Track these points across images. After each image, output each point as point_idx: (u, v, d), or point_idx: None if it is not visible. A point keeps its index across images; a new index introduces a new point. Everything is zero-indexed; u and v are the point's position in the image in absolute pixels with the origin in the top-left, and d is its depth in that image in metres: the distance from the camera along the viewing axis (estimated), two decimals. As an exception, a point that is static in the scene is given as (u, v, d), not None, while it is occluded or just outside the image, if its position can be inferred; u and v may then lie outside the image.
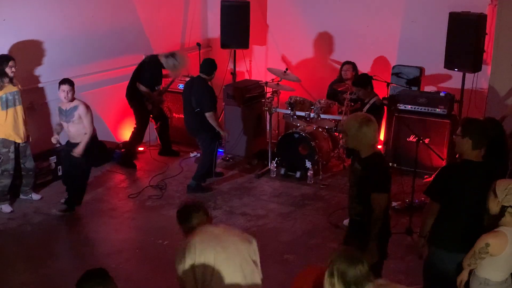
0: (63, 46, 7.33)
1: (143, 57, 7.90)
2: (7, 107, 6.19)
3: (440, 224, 4.01)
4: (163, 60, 7.65)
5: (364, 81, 6.94)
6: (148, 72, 7.65)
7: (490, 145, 4.41)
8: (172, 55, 7.66)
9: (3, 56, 6.25)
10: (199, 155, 7.57)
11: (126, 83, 7.75)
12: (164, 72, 7.87)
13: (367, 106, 6.90)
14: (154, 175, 7.58)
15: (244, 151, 8.22)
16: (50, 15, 7.17)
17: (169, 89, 8.24)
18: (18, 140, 6.40)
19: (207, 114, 6.88)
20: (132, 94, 7.71)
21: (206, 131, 7.01)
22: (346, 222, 5.46)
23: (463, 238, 3.87)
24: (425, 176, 7.11)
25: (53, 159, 7.27)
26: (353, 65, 7.96)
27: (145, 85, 7.63)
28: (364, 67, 8.40)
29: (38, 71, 7.12)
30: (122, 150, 8.10)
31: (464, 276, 3.81)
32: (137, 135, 7.94)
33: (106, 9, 7.86)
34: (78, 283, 2.65)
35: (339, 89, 7.78)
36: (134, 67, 7.74)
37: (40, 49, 7.12)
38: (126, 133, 8.34)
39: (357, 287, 2.87)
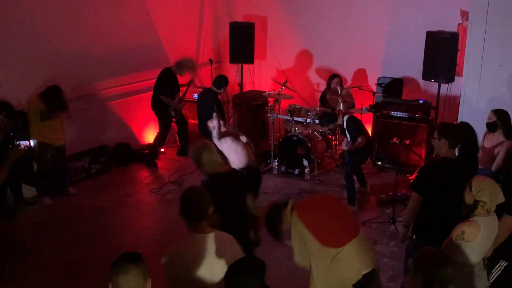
0: (93, 62, 7.32)
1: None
2: (47, 119, 6.17)
3: (422, 216, 3.98)
4: (175, 70, 7.61)
5: (326, 121, 6.59)
6: (167, 84, 7.61)
7: (464, 147, 4.40)
8: (179, 63, 7.60)
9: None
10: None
11: (148, 93, 7.72)
12: (180, 82, 7.84)
13: (344, 125, 6.68)
14: (173, 172, 7.56)
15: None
16: (85, 38, 7.15)
17: (185, 99, 8.22)
18: (56, 143, 6.38)
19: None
20: (156, 104, 7.68)
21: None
22: None
23: (441, 229, 3.83)
24: (408, 175, 7.07)
25: (86, 159, 7.25)
26: (339, 78, 7.92)
27: (166, 96, 7.60)
28: (352, 79, 8.38)
29: (74, 84, 7.10)
30: (146, 151, 8.09)
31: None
32: (160, 139, 7.92)
33: (130, 30, 7.85)
34: (114, 262, 2.56)
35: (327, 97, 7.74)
36: (154, 80, 7.72)
37: (77, 66, 7.12)
38: (149, 136, 8.32)
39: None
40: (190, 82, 8.05)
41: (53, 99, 6.09)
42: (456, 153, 4.53)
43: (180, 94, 7.94)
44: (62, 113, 6.24)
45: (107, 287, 2.50)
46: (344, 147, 6.55)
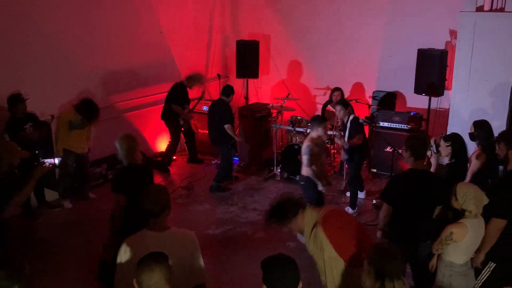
0: (111, 77, 7.39)
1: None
2: (76, 128, 6.24)
3: (392, 222, 4.01)
4: (186, 83, 7.71)
5: (346, 103, 6.83)
6: (178, 95, 7.68)
7: (454, 153, 4.42)
8: (190, 77, 7.71)
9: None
10: (219, 162, 7.58)
11: (161, 106, 7.79)
12: (191, 96, 7.91)
13: (348, 123, 6.80)
14: (183, 178, 7.59)
15: (254, 159, 8.23)
16: (104, 55, 7.23)
17: (195, 111, 8.28)
18: (78, 151, 6.43)
19: (226, 126, 6.91)
20: (167, 114, 7.74)
21: (225, 142, 7.04)
22: None
23: (409, 233, 3.89)
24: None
25: (104, 165, 7.29)
26: (341, 91, 7.96)
27: (177, 105, 7.67)
28: (349, 92, 8.42)
29: (93, 97, 7.16)
30: (159, 158, 8.13)
31: (434, 261, 3.80)
32: (172, 147, 7.97)
33: (145, 47, 7.92)
34: (141, 259, 2.53)
35: (326, 109, 7.80)
36: (167, 93, 7.77)
37: (96, 80, 7.20)
38: (161, 145, 8.37)
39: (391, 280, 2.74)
40: (201, 97, 8.16)
41: (88, 110, 6.19)
42: (448, 161, 4.55)
43: (190, 107, 8.01)
44: (95, 122, 6.31)
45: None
46: (337, 140, 6.55)
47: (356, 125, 6.39)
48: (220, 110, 6.98)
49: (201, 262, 3.13)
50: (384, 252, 2.81)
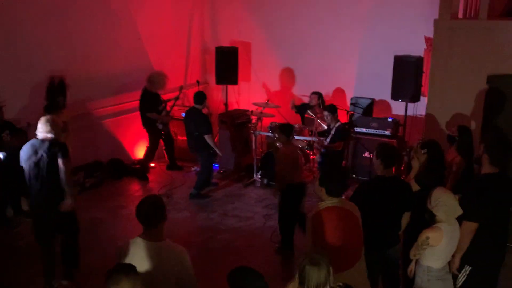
0: (88, 83, 7.29)
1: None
2: None
3: (364, 229, 4.04)
4: (149, 87, 7.50)
5: (333, 108, 6.95)
6: (148, 102, 7.53)
7: (431, 160, 4.48)
8: (148, 80, 7.52)
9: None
10: (198, 169, 7.55)
11: (138, 113, 7.70)
12: (164, 97, 7.81)
13: (333, 130, 6.89)
14: (163, 185, 7.53)
15: (234, 166, 8.22)
16: (81, 61, 7.15)
17: (175, 117, 8.21)
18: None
19: (206, 137, 6.88)
20: (145, 123, 7.65)
21: (204, 150, 7.01)
22: None
23: (376, 239, 3.92)
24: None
25: (81, 173, 7.19)
26: (318, 95, 8.03)
27: (152, 112, 7.54)
28: (330, 98, 8.48)
29: (70, 104, 7.05)
30: (137, 165, 8.06)
31: (412, 266, 3.83)
32: (149, 154, 7.88)
33: (123, 53, 7.86)
34: (108, 271, 2.57)
35: (305, 116, 7.87)
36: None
37: (73, 87, 7.07)
38: (139, 152, 8.29)
39: None
40: (177, 97, 7.95)
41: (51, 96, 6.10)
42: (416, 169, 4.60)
43: (168, 108, 7.88)
44: (63, 102, 6.13)
45: None
46: (317, 145, 6.63)
47: (342, 133, 6.49)
48: (196, 119, 6.93)
49: (192, 279, 3.12)
50: (309, 256, 2.79)
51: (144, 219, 3.08)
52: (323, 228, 3.48)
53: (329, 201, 3.58)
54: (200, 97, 7.05)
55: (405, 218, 4.05)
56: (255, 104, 8.04)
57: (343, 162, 7.37)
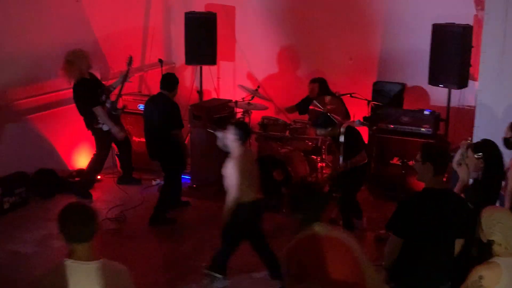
0: (8, 65, 7.21)
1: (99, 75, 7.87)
2: None
3: (402, 261, 4.01)
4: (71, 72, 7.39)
5: (324, 123, 6.73)
6: (84, 91, 7.42)
7: (488, 167, 4.49)
8: (68, 61, 7.40)
9: None
10: (162, 182, 7.50)
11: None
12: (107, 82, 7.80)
13: (342, 137, 6.82)
14: (112, 206, 7.46)
15: (212, 178, 8.16)
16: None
17: (128, 110, 8.19)
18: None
19: (173, 132, 6.86)
20: (88, 120, 7.57)
21: (170, 154, 6.97)
22: None
23: (422, 274, 3.92)
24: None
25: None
26: (319, 83, 8.00)
27: (95, 105, 7.42)
28: (342, 84, 8.47)
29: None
30: (76, 178, 7.98)
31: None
32: (97, 163, 7.82)
33: (54, 23, 7.79)
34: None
35: (310, 108, 7.86)
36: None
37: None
38: (80, 160, 8.23)
39: None
40: (125, 77, 7.77)
41: None
42: (473, 178, 4.60)
43: (112, 97, 7.74)
44: None
45: None
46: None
47: (355, 136, 6.45)
48: (161, 110, 6.91)
49: None
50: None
51: (75, 231, 3.15)
52: (305, 265, 3.47)
53: (308, 231, 3.58)
54: (170, 80, 7.08)
55: (457, 247, 4.04)
56: (241, 87, 8.00)
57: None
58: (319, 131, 6.76)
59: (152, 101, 7.14)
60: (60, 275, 3.10)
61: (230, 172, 5.55)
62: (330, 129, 6.59)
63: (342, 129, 6.47)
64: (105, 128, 7.57)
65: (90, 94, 7.47)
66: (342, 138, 6.44)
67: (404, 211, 4.07)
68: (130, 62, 7.86)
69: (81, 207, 3.29)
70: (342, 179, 6.69)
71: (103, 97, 7.60)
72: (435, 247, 3.97)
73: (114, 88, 7.83)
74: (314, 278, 3.48)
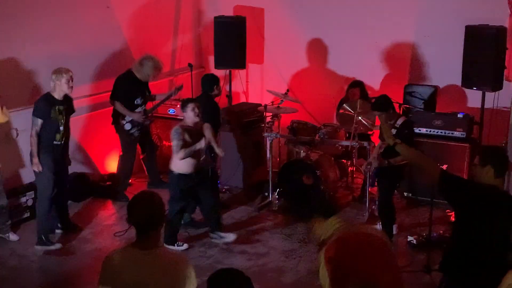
0: (43, 70, 7.34)
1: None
2: None
3: (456, 253, 4.05)
4: (135, 71, 7.56)
5: (383, 104, 6.52)
6: (121, 88, 7.56)
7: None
8: (139, 62, 7.57)
9: None
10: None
11: (111, 108, 7.74)
12: (154, 93, 7.88)
13: (394, 130, 6.75)
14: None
15: (242, 182, 8.20)
16: (27, 42, 7.22)
17: (158, 115, 8.25)
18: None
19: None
20: (114, 116, 7.68)
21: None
22: None
23: (479, 273, 3.91)
24: (447, 210, 7.09)
25: (30, 194, 7.22)
26: (360, 87, 7.97)
27: (120, 102, 7.52)
28: (372, 86, 8.45)
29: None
30: (108, 183, 8.09)
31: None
32: (125, 166, 7.87)
33: (87, 29, 7.91)
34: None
35: (340, 112, 7.78)
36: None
37: (21, 72, 7.16)
38: (112, 164, 8.33)
39: None
40: (169, 97, 7.92)
41: None
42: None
43: (150, 105, 7.87)
44: None
45: None
46: (373, 164, 6.52)
47: (409, 133, 6.29)
48: (208, 111, 6.90)
49: None
50: None
51: (137, 223, 3.33)
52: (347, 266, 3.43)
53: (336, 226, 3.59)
54: (210, 79, 7.19)
55: None
56: (270, 92, 8.02)
57: None
58: (379, 114, 6.44)
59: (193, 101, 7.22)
60: (120, 257, 3.37)
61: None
62: (391, 111, 6.43)
63: (399, 121, 6.36)
64: (127, 127, 7.64)
65: (121, 86, 7.55)
66: (394, 131, 6.31)
67: (466, 189, 4.07)
68: (179, 88, 7.97)
69: (149, 194, 3.43)
70: (380, 178, 6.66)
71: (139, 100, 7.64)
72: (491, 248, 3.95)
73: (154, 100, 7.90)
74: (358, 277, 3.41)
